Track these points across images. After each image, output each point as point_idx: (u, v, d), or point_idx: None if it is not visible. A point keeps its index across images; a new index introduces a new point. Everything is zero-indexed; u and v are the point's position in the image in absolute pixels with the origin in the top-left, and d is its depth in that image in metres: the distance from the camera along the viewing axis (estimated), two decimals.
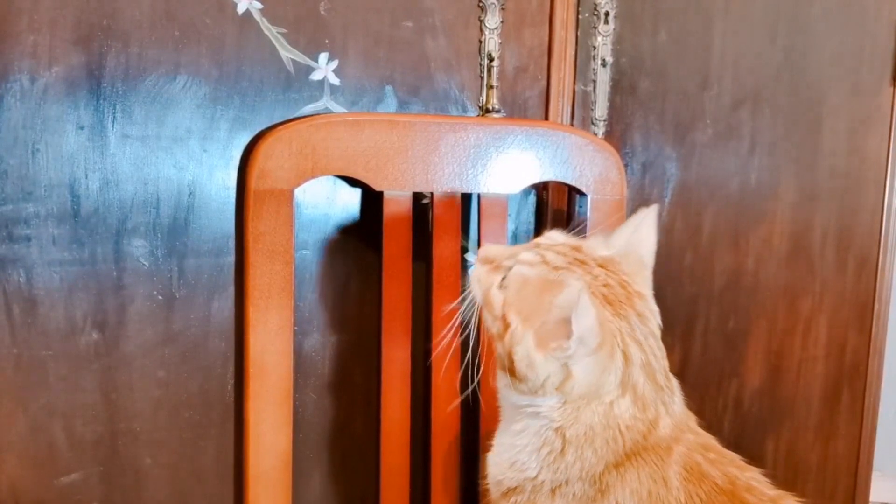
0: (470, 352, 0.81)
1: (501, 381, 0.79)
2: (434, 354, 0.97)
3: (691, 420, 0.78)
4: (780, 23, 1.23)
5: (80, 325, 0.89)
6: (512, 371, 0.74)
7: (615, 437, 0.74)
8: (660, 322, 0.78)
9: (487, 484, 0.81)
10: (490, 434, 0.84)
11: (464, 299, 0.80)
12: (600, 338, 0.70)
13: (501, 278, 0.76)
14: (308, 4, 0.94)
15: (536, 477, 0.76)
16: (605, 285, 0.74)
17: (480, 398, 0.85)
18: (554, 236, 0.80)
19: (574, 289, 0.68)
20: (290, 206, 0.91)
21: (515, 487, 0.77)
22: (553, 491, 0.75)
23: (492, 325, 0.77)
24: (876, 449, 1.44)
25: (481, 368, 0.80)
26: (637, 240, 0.80)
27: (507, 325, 0.74)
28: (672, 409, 0.76)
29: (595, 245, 0.80)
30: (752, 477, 0.76)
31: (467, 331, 0.81)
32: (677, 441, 0.75)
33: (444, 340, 0.87)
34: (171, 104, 0.90)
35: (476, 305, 0.79)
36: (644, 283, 0.79)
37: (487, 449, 0.83)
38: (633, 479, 0.73)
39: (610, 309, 0.74)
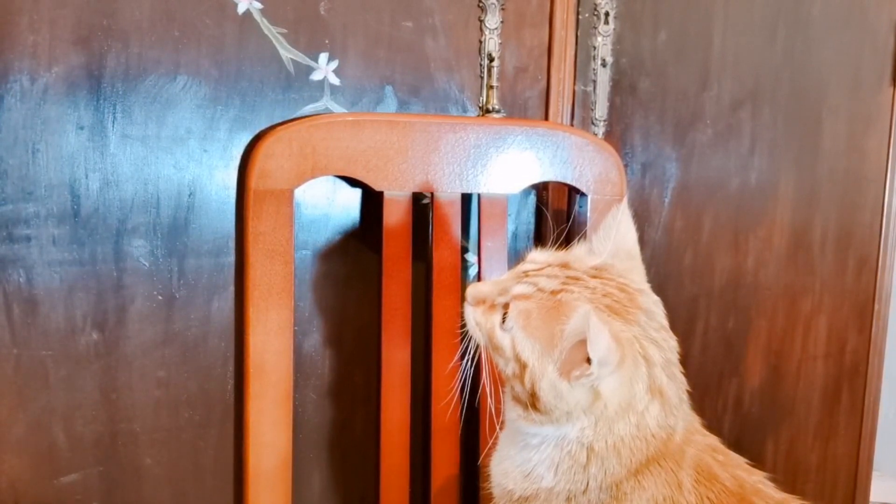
0: (483, 389, 0.80)
1: (514, 412, 0.77)
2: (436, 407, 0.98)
3: (696, 420, 0.78)
4: (780, 23, 1.23)
5: (80, 325, 0.89)
6: (535, 406, 0.72)
7: (641, 447, 0.72)
8: (664, 310, 0.77)
9: (491, 489, 0.81)
10: (492, 434, 0.84)
11: (464, 349, 0.78)
12: (620, 353, 0.68)
13: (501, 318, 0.74)
14: (308, 4, 0.94)
15: (553, 488, 0.74)
16: (605, 295, 0.73)
17: (481, 413, 0.84)
18: (537, 258, 0.78)
19: (582, 312, 0.66)
20: (290, 206, 0.91)
21: (528, 497, 0.76)
22: (569, 499, 0.74)
23: (505, 367, 0.74)
24: (876, 449, 1.44)
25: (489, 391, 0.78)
26: (619, 236, 0.78)
27: (523, 365, 0.72)
28: (685, 410, 0.76)
29: (581, 255, 0.78)
30: (759, 480, 0.76)
31: (474, 375, 0.80)
32: (688, 443, 0.75)
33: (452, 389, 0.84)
34: (171, 104, 0.90)
35: (477, 346, 0.77)
36: (639, 276, 0.78)
37: (490, 455, 0.82)
38: (650, 486, 0.72)
39: (619, 318, 0.72)
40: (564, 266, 0.76)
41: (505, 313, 0.73)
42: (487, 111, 1.04)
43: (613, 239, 0.78)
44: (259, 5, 0.91)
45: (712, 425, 0.79)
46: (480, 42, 1.02)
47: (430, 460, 1.01)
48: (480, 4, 1.01)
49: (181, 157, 0.91)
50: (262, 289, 0.90)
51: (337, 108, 0.97)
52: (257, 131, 0.93)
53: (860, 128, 1.32)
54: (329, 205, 0.99)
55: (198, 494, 0.97)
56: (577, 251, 0.79)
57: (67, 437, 0.90)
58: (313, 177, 0.91)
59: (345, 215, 1.00)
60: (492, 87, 1.03)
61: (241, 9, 0.91)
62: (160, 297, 0.92)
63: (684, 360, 0.76)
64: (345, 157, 0.92)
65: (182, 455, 0.95)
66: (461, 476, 1.03)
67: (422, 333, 1.01)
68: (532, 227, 1.11)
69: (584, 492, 0.73)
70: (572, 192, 1.06)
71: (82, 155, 0.87)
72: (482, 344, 0.77)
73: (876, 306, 1.38)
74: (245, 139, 0.93)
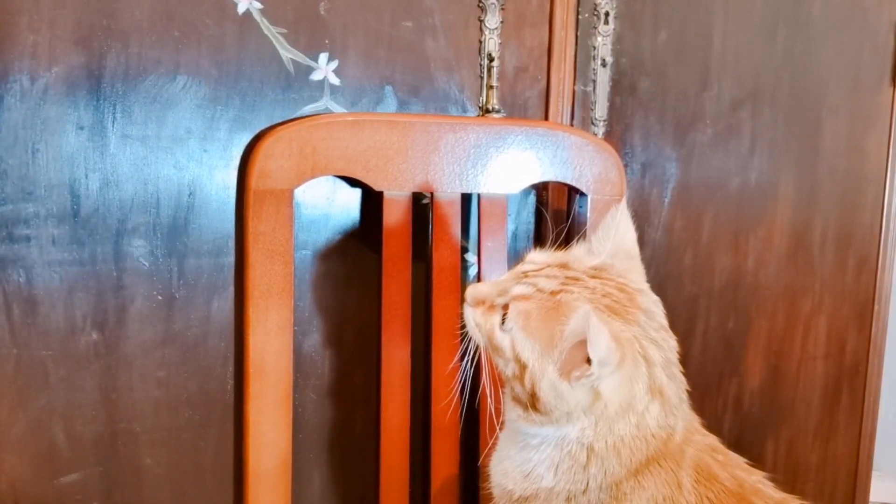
0: (483, 389, 0.80)
1: (514, 413, 0.77)
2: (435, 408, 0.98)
3: (696, 420, 0.78)
4: (780, 23, 1.23)
5: (80, 325, 0.89)
6: (536, 406, 0.72)
7: (640, 447, 0.72)
8: (664, 310, 0.77)
9: (491, 489, 0.81)
10: (493, 435, 0.83)
11: (464, 349, 0.78)
12: (620, 353, 0.68)
13: (501, 318, 0.74)
14: (308, 4, 0.94)
15: (553, 488, 0.74)
16: (604, 295, 0.73)
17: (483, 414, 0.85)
18: (536, 258, 0.78)
19: (582, 313, 0.66)
20: (290, 206, 0.91)
21: (528, 497, 0.76)
22: (568, 499, 0.74)
23: (505, 368, 0.74)
24: (876, 449, 1.44)
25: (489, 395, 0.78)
26: (619, 236, 0.78)
27: (523, 366, 0.72)
28: (684, 409, 0.76)
29: (580, 255, 0.78)
30: (759, 480, 0.76)
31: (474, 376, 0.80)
32: (688, 443, 0.75)
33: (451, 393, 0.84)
34: (171, 104, 0.90)
35: (477, 346, 0.77)
36: (638, 276, 0.78)
37: (490, 455, 0.82)
38: (650, 486, 0.72)
39: (619, 318, 0.72)
40: (564, 266, 0.76)
41: (504, 314, 0.73)
42: (487, 111, 1.04)
43: (613, 239, 0.78)
44: (259, 5, 0.92)
45: (712, 425, 0.79)
46: (480, 42, 1.02)
47: (430, 460, 1.01)
48: (480, 4, 1.01)
49: (181, 157, 0.91)
50: (262, 289, 0.90)
51: (337, 108, 0.97)
52: (257, 131, 0.93)
53: (860, 128, 1.32)
54: (329, 205, 0.99)
55: (198, 494, 0.97)
56: (577, 251, 0.79)
57: (67, 437, 0.90)
58: (313, 177, 0.91)
59: (345, 215, 1.00)
60: (492, 87, 1.03)
61: (241, 9, 0.91)
62: (160, 297, 0.92)
63: (684, 360, 0.76)
64: (345, 157, 0.92)
65: (182, 455, 0.95)
66: (461, 476, 1.03)
67: (422, 333, 1.01)
68: (532, 227, 1.11)
69: (584, 492, 0.73)
70: (572, 192, 1.06)
71: (82, 155, 0.87)
72: (482, 345, 0.77)
73: (876, 306, 1.38)
74: (245, 139, 0.93)
